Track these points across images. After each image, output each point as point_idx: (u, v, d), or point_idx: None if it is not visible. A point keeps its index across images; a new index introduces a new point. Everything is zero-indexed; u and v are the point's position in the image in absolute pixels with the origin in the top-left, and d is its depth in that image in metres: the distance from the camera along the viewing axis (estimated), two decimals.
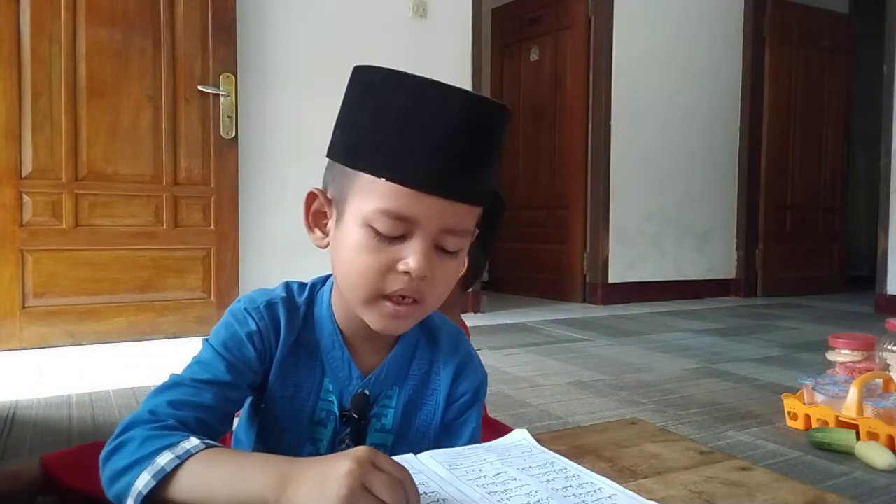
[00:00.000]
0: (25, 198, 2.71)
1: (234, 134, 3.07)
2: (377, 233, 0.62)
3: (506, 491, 0.57)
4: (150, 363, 2.53)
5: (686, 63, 4.68)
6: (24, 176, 2.71)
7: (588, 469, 0.64)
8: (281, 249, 3.16)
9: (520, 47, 4.97)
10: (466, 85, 3.83)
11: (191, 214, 3.02)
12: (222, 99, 3.03)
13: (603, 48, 4.35)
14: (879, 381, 1.76)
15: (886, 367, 1.87)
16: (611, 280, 4.41)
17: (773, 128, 5.00)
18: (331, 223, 0.68)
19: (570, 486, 0.59)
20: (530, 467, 0.63)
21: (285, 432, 0.71)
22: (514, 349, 2.87)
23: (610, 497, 0.58)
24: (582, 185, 4.49)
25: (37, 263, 2.74)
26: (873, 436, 1.59)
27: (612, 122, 4.38)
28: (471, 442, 0.74)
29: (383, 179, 0.61)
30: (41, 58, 2.71)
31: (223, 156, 3.06)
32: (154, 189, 2.94)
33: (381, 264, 0.62)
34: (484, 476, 0.60)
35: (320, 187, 0.69)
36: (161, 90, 2.93)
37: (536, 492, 0.57)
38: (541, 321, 3.69)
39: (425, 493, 0.56)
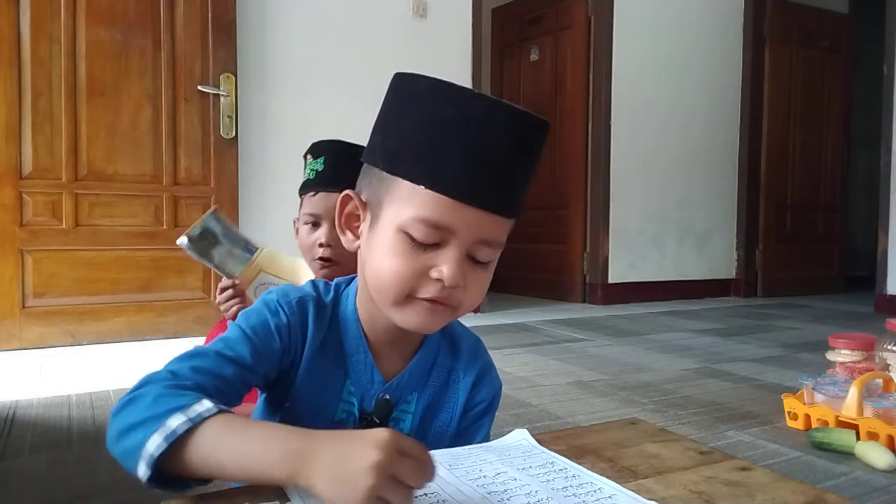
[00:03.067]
0: (25, 198, 2.71)
1: (234, 134, 3.07)
2: (412, 239, 0.62)
3: (506, 491, 0.57)
4: (150, 363, 2.52)
5: (686, 63, 4.68)
6: (24, 176, 2.71)
7: (588, 469, 0.64)
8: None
9: (520, 47, 4.97)
10: (466, 84, 3.82)
11: (191, 214, 3.01)
12: (222, 99, 3.03)
13: (603, 48, 4.35)
14: (879, 381, 1.76)
15: (886, 367, 1.87)
16: (611, 280, 4.41)
17: (773, 128, 5.00)
18: (364, 226, 0.68)
19: (570, 486, 0.59)
20: (530, 467, 0.63)
21: None
22: (514, 349, 2.87)
23: (610, 497, 0.58)
24: (582, 185, 4.49)
25: (37, 263, 2.74)
26: (873, 436, 1.59)
27: (612, 123, 4.38)
28: None
29: (423, 187, 0.61)
30: (41, 58, 2.71)
31: (223, 156, 3.06)
32: (154, 189, 2.94)
33: (414, 269, 0.63)
34: (484, 476, 0.60)
35: (355, 190, 0.70)
36: (161, 90, 2.93)
37: (536, 492, 0.57)
38: (541, 321, 3.69)
39: (425, 494, 0.56)
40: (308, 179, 1.33)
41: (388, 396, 0.71)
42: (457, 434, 0.75)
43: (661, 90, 4.57)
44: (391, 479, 0.46)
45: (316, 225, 1.31)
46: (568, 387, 2.23)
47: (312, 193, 1.31)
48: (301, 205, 1.36)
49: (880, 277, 4.30)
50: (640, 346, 2.97)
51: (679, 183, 4.70)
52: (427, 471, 0.49)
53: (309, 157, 1.34)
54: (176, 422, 0.52)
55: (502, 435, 0.74)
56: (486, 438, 0.76)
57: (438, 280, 0.62)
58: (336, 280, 0.75)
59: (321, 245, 1.26)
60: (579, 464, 0.65)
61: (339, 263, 1.26)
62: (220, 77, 3.03)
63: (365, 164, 0.68)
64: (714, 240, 4.90)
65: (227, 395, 0.63)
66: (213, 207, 2.05)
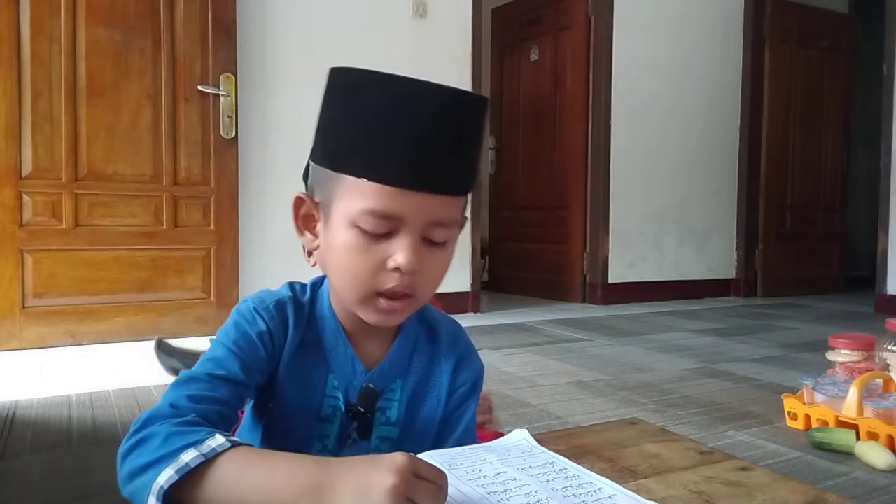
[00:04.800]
0: (25, 198, 2.71)
1: (234, 134, 3.07)
2: (364, 232, 0.63)
3: (505, 491, 0.57)
4: (150, 363, 2.52)
5: (686, 63, 4.68)
6: (24, 176, 2.71)
7: (588, 469, 0.63)
8: (281, 249, 3.16)
9: (520, 47, 4.97)
10: (466, 85, 3.83)
11: (191, 214, 3.02)
12: (222, 99, 3.03)
13: (603, 48, 4.35)
14: (879, 381, 1.76)
15: (886, 367, 1.87)
16: (611, 280, 4.41)
17: (773, 128, 5.00)
18: (320, 226, 0.69)
19: (570, 486, 0.59)
20: (530, 467, 0.63)
21: (293, 431, 0.71)
22: (513, 349, 2.87)
23: (610, 497, 0.58)
24: (582, 185, 4.49)
25: (37, 263, 2.74)
26: (873, 436, 1.59)
27: (612, 122, 4.38)
28: (467, 431, 0.75)
29: (365, 180, 0.61)
30: (41, 58, 2.71)
31: (223, 156, 3.06)
32: (154, 189, 2.94)
33: (371, 263, 0.63)
34: (484, 476, 0.60)
35: (306, 192, 0.71)
36: (161, 90, 2.93)
37: (536, 492, 0.57)
38: (540, 321, 3.69)
39: None
40: None
41: (371, 385, 0.71)
42: (443, 419, 0.75)
43: (661, 90, 4.57)
44: (408, 502, 0.48)
45: None
46: (568, 387, 2.23)
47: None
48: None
49: (880, 277, 4.30)
50: (640, 346, 2.97)
51: (679, 183, 4.70)
52: (442, 493, 0.50)
53: None
54: (188, 456, 0.52)
55: (502, 435, 0.74)
56: (472, 420, 0.76)
57: (396, 269, 0.63)
58: (311, 279, 0.75)
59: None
60: (579, 464, 0.65)
61: None
62: (220, 77, 3.03)
63: (312, 165, 0.69)
64: (714, 240, 4.90)
65: (228, 417, 0.63)
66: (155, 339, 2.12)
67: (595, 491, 0.59)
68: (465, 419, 0.76)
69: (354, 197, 0.62)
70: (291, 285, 0.74)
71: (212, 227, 3.05)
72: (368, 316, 0.67)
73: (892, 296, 4.21)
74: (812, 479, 1.43)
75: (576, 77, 4.50)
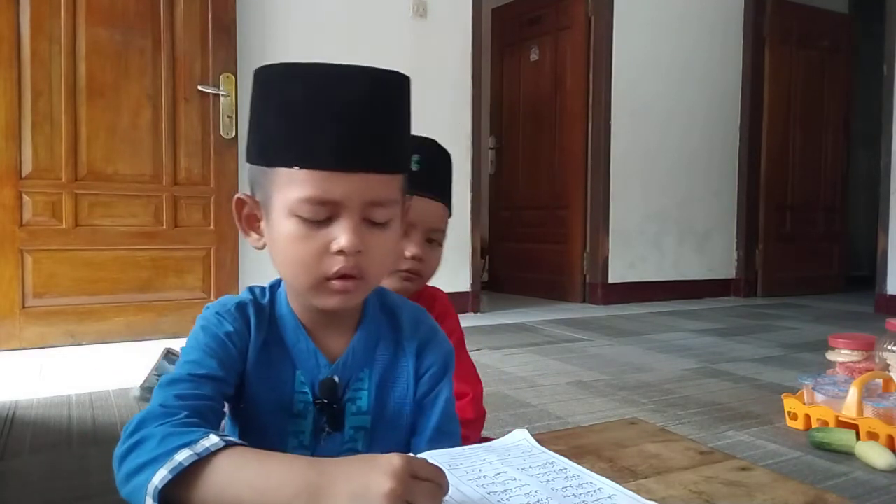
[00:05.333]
0: (25, 198, 2.71)
1: (234, 134, 3.07)
2: (304, 220, 0.64)
3: (505, 491, 0.57)
4: (150, 363, 2.52)
5: (686, 63, 4.68)
6: (24, 176, 2.71)
7: (588, 469, 0.64)
8: None
9: (520, 47, 4.97)
10: (466, 84, 3.83)
11: (191, 214, 3.02)
12: (222, 99, 3.03)
13: (603, 48, 4.35)
14: (879, 381, 1.76)
15: (886, 367, 1.87)
16: (611, 280, 4.41)
17: (773, 128, 5.00)
18: (263, 224, 0.70)
19: (570, 486, 0.59)
20: (530, 467, 0.63)
21: (268, 428, 0.71)
22: (513, 349, 2.87)
23: (610, 497, 0.58)
24: (582, 185, 4.49)
25: (37, 263, 2.74)
26: (873, 436, 1.59)
27: (612, 123, 4.38)
28: (446, 415, 0.75)
29: (297, 168, 0.63)
30: (41, 58, 2.71)
31: (223, 156, 3.06)
32: (154, 189, 2.94)
33: (315, 249, 0.64)
34: (484, 476, 0.60)
35: (247, 193, 0.72)
36: (161, 90, 2.93)
37: (536, 492, 0.57)
38: (541, 321, 3.69)
39: None
40: None
41: (335, 377, 0.71)
42: (417, 404, 0.75)
43: (661, 90, 4.57)
44: None
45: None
46: (568, 387, 2.23)
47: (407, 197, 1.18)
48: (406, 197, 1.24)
49: (880, 277, 4.30)
50: (640, 346, 2.97)
51: (679, 183, 4.70)
52: (441, 492, 0.50)
53: None
54: (182, 456, 0.53)
55: (502, 435, 0.74)
56: (451, 401, 0.76)
57: (340, 252, 0.64)
58: (270, 282, 0.76)
59: (412, 257, 1.06)
60: (579, 464, 0.65)
61: (423, 277, 1.11)
62: (220, 77, 3.03)
63: (249, 166, 0.70)
64: (714, 240, 4.90)
65: (217, 412, 0.64)
66: (164, 349, 2.07)
67: (595, 491, 0.59)
68: (441, 402, 0.75)
69: (290, 187, 0.64)
70: (251, 289, 0.75)
71: (212, 227, 3.05)
72: (324, 301, 0.67)
73: (892, 296, 4.21)
74: (812, 479, 1.43)
75: (576, 77, 4.50)
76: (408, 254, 1.06)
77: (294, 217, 0.64)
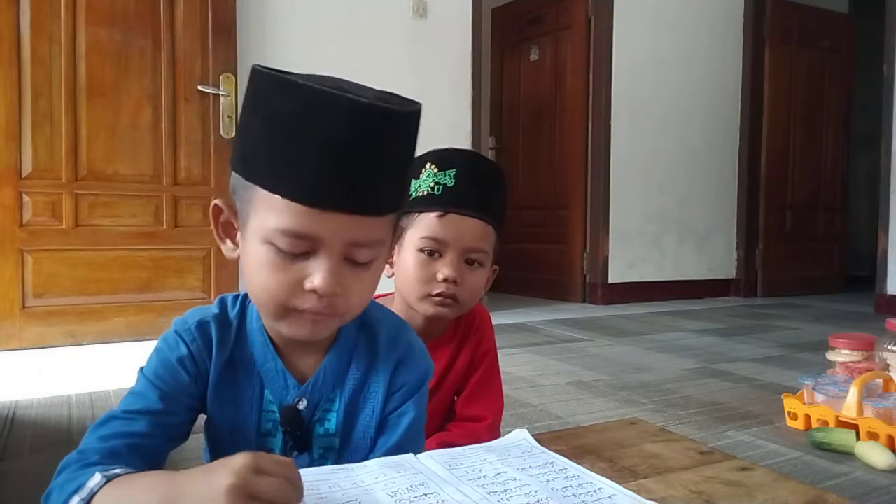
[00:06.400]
0: (25, 198, 2.71)
1: (234, 134, 3.07)
2: (279, 250, 0.59)
3: (506, 491, 0.57)
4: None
5: (686, 63, 4.68)
6: (24, 176, 2.71)
7: (588, 469, 0.64)
8: None
9: (520, 47, 4.97)
10: (466, 84, 3.83)
11: (191, 214, 3.01)
12: (222, 99, 3.03)
13: (603, 48, 4.35)
14: (879, 381, 1.76)
15: (886, 367, 1.87)
16: (611, 280, 4.41)
17: (773, 128, 5.00)
18: (239, 235, 0.66)
19: (570, 486, 0.59)
20: (530, 467, 0.63)
21: (234, 447, 0.69)
22: (514, 349, 2.87)
23: (610, 497, 0.58)
24: (582, 185, 4.49)
25: (37, 263, 2.74)
26: (873, 436, 1.59)
27: (612, 122, 4.38)
28: (409, 434, 0.71)
29: (278, 196, 0.58)
30: (41, 58, 2.71)
31: (223, 156, 3.05)
32: (154, 189, 2.94)
33: (287, 282, 0.60)
34: (484, 476, 0.60)
35: (224, 199, 0.68)
36: (161, 90, 2.93)
37: (536, 492, 0.57)
38: (541, 321, 3.69)
39: (425, 494, 0.56)
40: (431, 194, 0.99)
41: (302, 401, 0.69)
42: (381, 421, 0.72)
43: (660, 90, 4.57)
44: (250, 499, 0.47)
45: (434, 253, 0.99)
46: (568, 387, 2.23)
47: (439, 213, 0.98)
48: (402, 222, 0.99)
49: (880, 277, 4.30)
50: (640, 346, 2.97)
51: (679, 183, 4.70)
52: (290, 488, 0.50)
53: (431, 166, 1.01)
54: None
55: (502, 435, 0.74)
56: (417, 421, 0.72)
57: (313, 291, 0.59)
58: (243, 291, 0.71)
59: (445, 280, 0.97)
60: (579, 464, 0.65)
61: (461, 302, 1.00)
62: (220, 77, 3.03)
63: (232, 171, 0.65)
64: (714, 240, 4.90)
65: (148, 446, 0.64)
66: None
67: (595, 491, 0.59)
68: (405, 421, 0.71)
69: (268, 213, 0.59)
70: (222, 300, 0.72)
71: (212, 227, 3.04)
72: (291, 330, 0.64)
73: (892, 296, 4.21)
74: (812, 479, 1.43)
75: (576, 77, 4.50)
76: (440, 276, 0.96)
77: (268, 244, 0.59)
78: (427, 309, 0.99)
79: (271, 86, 0.59)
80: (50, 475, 0.60)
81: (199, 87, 2.99)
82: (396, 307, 1.03)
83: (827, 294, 5.18)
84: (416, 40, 3.65)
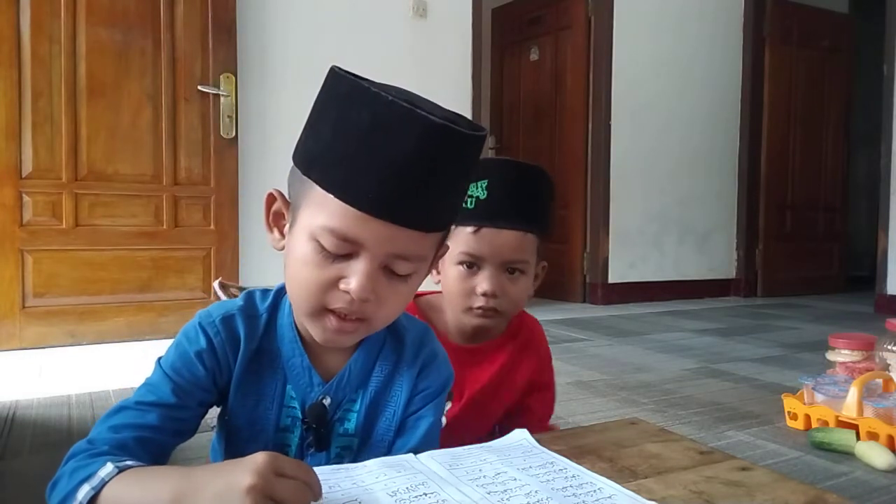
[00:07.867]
0: (25, 198, 2.71)
1: (234, 134, 3.07)
2: (323, 248, 0.61)
3: (506, 491, 0.57)
4: (150, 363, 2.52)
5: (686, 63, 4.68)
6: (24, 176, 2.71)
7: (588, 469, 0.64)
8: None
9: (520, 47, 4.97)
10: (466, 84, 3.83)
11: (191, 214, 3.02)
12: (222, 99, 3.03)
13: (603, 48, 4.35)
14: (879, 381, 1.76)
15: (886, 367, 1.87)
16: (611, 280, 4.41)
17: (773, 128, 5.00)
18: (287, 227, 0.67)
19: (570, 486, 0.60)
20: (530, 467, 0.63)
21: (251, 441, 0.70)
22: None
23: (610, 497, 0.58)
24: (582, 185, 4.49)
25: (37, 263, 2.74)
26: (873, 436, 1.59)
27: (612, 122, 4.38)
28: (426, 439, 0.72)
29: (332, 196, 0.59)
30: (41, 58, 2.71)
31: (223, 156, 3.06)
32: (154, 189, 2.94)
33: (324, 280, 0.61)
34: (484, 476, 0.60)
35: (279, 190, 0.69)
36: (161, 90, 2.93)
37: (536, 492, 0.57)
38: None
39: (425, 494, 0.56)
40: (464, 208, 0.96)
41: (324, 401, 0.69)
42: (399, 426, 0.72)
43: (661, 90, 4.57)
44: (269, 501, 0.48)
45: (473, 266, 0.98)
46: (568, 387, 2.23)
47: (473, 229, 0.96)
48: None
49: (880, 277, 4.30)
50: (640, 346, 2.97)
51: (679, 183, 4.70)
52: (308, 491, 0.50)
53: None
54: (82, 493, 0.55)
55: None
56: (435, 426, 0.73)
57: (347, 292, 0.61)
58: (278, 285, 0.73)
59: (484, 294, 0.97)
60: (579, 464, 0.65)
61: (503, 312, 1.00)
62: (220, 77, 3.03)
63: (292, 164, 0.67)
64: (714, 239, 4.90)
65: (156, 440, 0.64)
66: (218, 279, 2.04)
67: (595, 491, 0.59)
68: (423, 427, 0.72)
69: (319, 210, 0.60)
70: (249, 294, 0.72)
71: (212, 226, 3.05)
72: (316, 333, 0.65)
73: (892, 296, 4.21)
74: (812, 479, 1.43)
75: (576, 77, 4.50)
76: (479, 290, 0.96)
77: (314, 241, 0.61)
78: (471, 321, 1.00)
79: (347, 91, 0.60)
80: (50, 475, 0.59)
81: (200, 87, 2.99)
82: (448, 311, 1.05)
83: (827, 294, 5.17)
84: (416, 40, 3.65)
